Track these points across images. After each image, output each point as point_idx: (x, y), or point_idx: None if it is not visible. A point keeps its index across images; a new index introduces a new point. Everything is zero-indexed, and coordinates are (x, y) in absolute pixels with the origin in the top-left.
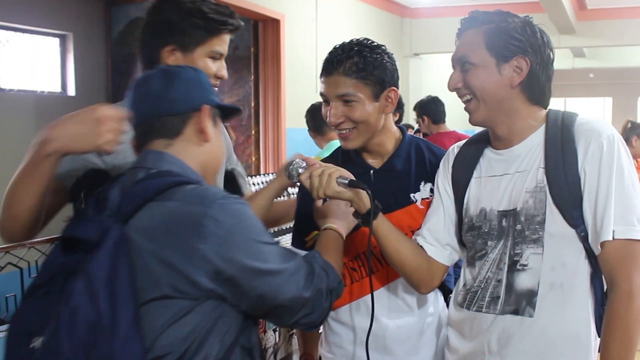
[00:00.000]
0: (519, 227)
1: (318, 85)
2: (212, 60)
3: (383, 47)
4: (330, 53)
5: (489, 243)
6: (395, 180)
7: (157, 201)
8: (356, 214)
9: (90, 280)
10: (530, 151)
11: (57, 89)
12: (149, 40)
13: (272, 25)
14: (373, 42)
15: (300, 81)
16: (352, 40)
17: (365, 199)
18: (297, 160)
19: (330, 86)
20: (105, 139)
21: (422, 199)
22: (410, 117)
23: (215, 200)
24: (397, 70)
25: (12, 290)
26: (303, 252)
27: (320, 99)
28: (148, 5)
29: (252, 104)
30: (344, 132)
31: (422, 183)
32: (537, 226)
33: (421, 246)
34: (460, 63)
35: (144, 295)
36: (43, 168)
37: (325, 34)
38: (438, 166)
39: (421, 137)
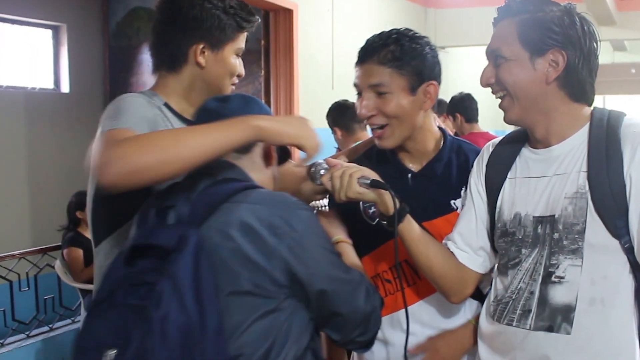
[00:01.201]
0: (556, 235)
1: (334, 81)
2: (235, 58)
3: (426, 39)
4: (367, 40)
5: (523, 251)
6: (435, 185)
7: (230, 202)
8: (382, 216)
9: (176, 284)
10: (570, 152)
11: (50, 85)
12: (175, 38)
13: (284, 15)
14: (416, 32)
15: (315, 77)
16: (392, 29)
17: (388, 200)
18: (320, 161)
19: (364, 75)
20: (308, 134)
21: (463, 206)
22: None
23: (288, 204)
24: (439, 64)
25: (1, 304)
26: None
27: (341, 97)
28: None
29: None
30: (376, 128)
31: (464, 189)
32: (576, 236)
33: (452, 252)
34: (493, 57)
35: (224, 290)
36: (236, 133)
37: (342, 25)
38: None
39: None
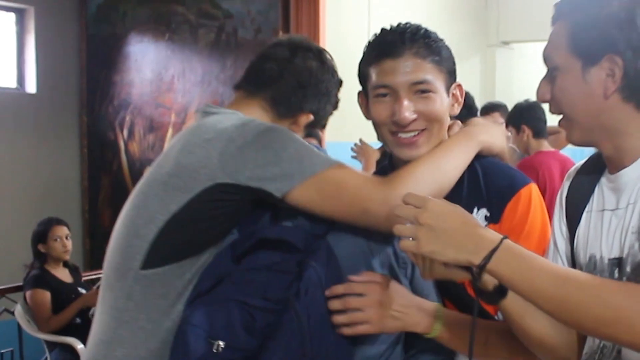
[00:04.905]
0: (625, 280)
1: None
2: None
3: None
4: (391, 32)
5: None
6: None
7: None
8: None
9: (317, 274)
10: None
11: (12, 83)
12: (305, 95)
13: None
14: None
15: (347, 76)
16: (402, 24)
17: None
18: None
19: (401, 71)
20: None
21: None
22: None
23: None
24: None
25: None
26: None
27: None
28: (294, 48)
29: None
30: (411, 135)
31: (476, 209)
32: None
33: None
34: (548, 66)
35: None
36: (473, 152)
37: (381, 11)
38: (496, 189)
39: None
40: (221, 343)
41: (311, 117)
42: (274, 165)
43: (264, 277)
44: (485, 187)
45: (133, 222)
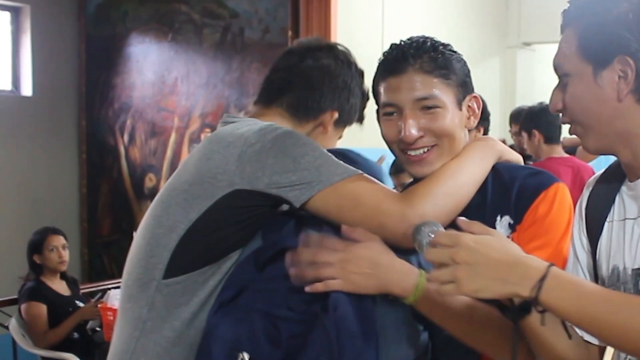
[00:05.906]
0: None
1: None
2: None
3: (451, 46)
4: (396, 48)
5: None
6: (467, 217)
7: None
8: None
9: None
10: None
11: (7, 85)
12: (322, 93)
13: None
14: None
15: None
16: (414, 37)
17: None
18: (429, 224)
19: (405, 88)
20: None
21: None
22: (503, 127)
23: None
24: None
25: None
26: None
27: None
28: (312, 45)
29: None
30: (420, 152)
31: (499, 217)
32: None
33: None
34: (559, 74)
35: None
36: (490, 162)
37: (396, 11)
38: (523, 191)
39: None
40: (245, 355)
41: (336, 114)
42: (292, 173)
43: (287, 286)
44: (516, 190)
45: (154, 232)
